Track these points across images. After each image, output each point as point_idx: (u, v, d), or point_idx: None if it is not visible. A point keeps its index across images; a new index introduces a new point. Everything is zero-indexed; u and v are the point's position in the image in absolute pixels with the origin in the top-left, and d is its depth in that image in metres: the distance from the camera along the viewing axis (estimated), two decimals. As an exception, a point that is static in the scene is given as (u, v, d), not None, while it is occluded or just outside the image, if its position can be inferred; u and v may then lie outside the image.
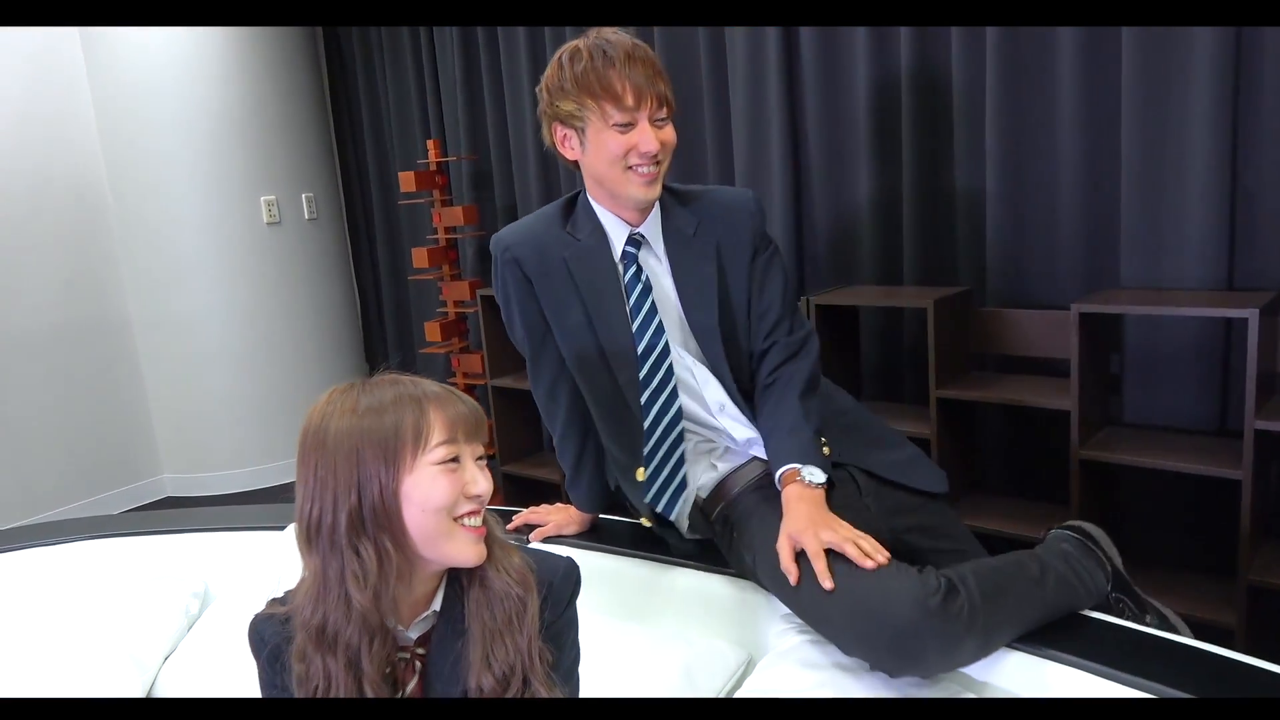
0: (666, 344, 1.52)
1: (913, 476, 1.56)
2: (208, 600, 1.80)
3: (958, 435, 2.47)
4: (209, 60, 3.79)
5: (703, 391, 1.56)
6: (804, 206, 2.85)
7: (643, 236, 1.54)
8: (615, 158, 1.44)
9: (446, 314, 3.71)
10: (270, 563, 1.76)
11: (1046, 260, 2.42)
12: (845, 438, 1.57)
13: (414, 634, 1.04)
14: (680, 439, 1.53)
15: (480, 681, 0.99)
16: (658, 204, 1.55)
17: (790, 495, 1.38)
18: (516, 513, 1.80)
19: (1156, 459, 2.07)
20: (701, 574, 1.57)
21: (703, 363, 1.55)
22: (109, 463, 3.97)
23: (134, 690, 1.60)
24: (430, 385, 1.02)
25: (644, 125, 1.43)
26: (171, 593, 1.75)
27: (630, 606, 1.61)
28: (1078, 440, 2.14)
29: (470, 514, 1.00)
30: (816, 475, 1.40)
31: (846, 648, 1.27)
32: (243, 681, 1.56)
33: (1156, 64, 2.12)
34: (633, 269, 1.53)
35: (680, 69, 3.01)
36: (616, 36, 1.45)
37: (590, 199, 1.55)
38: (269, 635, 1.04)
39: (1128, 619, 1.40)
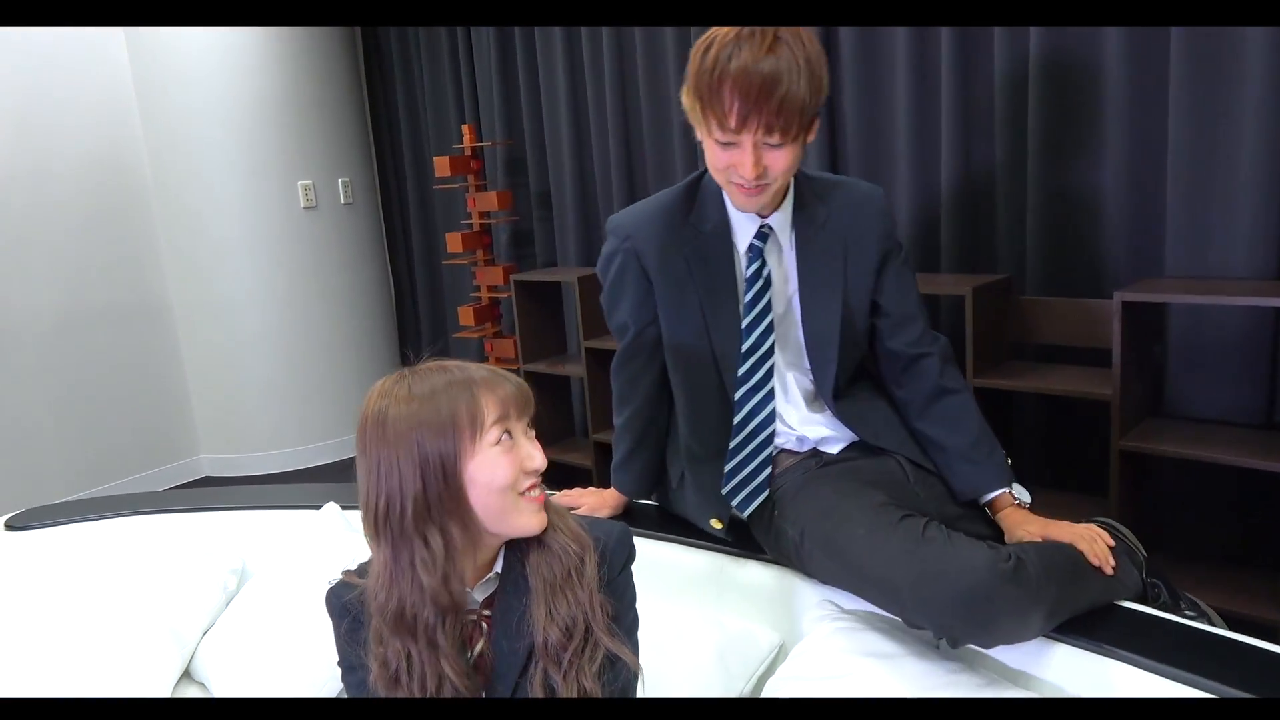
0: (773, 345, 1.50)
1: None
2: (245, 577, 1.83)
3: (995, 425, 2.41)
4: (247, 47, 3.82)
5: (787, 395, 1.55)
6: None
7: (772, 228, 1.49)
8: (717, 169, 1.40)
9: (480, 299, 3.72)
10: (307, 541, 1.78)
11: (1089, 248, 2.37)
12: (888, 428, 1.56)
13: (479, 595, 1.09)
14: (770, 440, 1.50)
15: (547, 635, 1.04)
16: (790, 191, 1.50)
17: (1014, 516, 1.45)
18: (550, 495, 1.80)
19: (1200, 451, 2.02)
20: (734, 559, 1.56)
21: (795, 366, 1.54)
22: (148, 442, 4.04)
23: (174, 664, 1.63)
24: (476, 368, 1.05)
25: (746, 147, 1.32)
26: (211, 569, 1.78)
27: (663, 590, 1.60)
28: (1118, 431, 2.10)
29: (530, 488, 1.05)
30: (1024, 495, 1.50)
31: (910, 614, 1.25)
32: (279, 657, 1.58)
33: (1205, 48, 2.06)
34: (756, 264, 1.49)
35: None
36: (756, 41, 1.28)
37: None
38: (350, 605, 1.08)
39: (1162, 605, 1.39)
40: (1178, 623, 1.25)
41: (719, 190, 1.49)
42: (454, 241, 3.61)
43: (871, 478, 1.45)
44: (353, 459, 1.06)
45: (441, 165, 3.55)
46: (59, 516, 1.96)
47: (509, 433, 1.04)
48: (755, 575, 1.53)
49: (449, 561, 1.01)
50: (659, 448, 1.67)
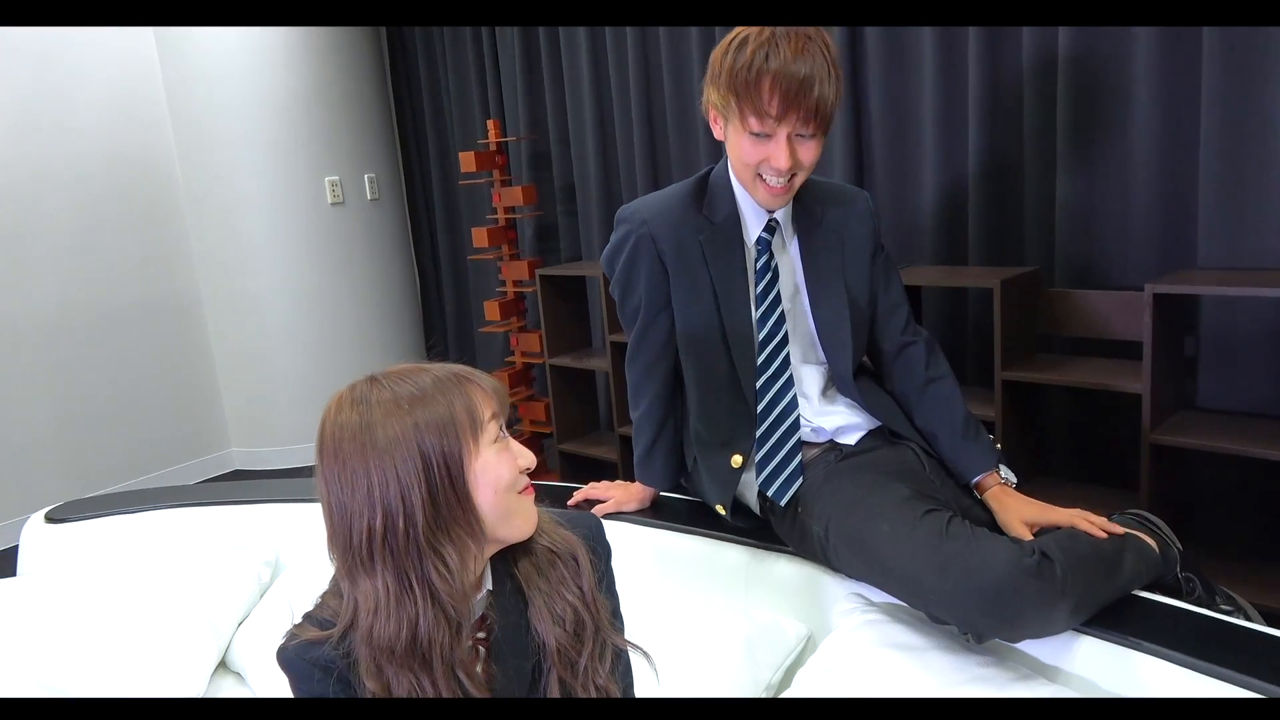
0: (786, 333, 1.53)
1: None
2: (279, 569, 1.86)
3: (1023, 418, 2.42)
4: (274, 45, 3.86)
5: (800, 388, 1.56)
6: (865, 184, 2.81)
7: (778, 223, 1.54)
8: (746, 164, 1.43)
9: (505, 293, 3.74)
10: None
11: (1119, 239, 2.35)
12: (898, 415, 1.59)
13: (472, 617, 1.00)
14: (796, 425, 1.52)
15: (557, 641, 0.99)
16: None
17: (1005, 498, 1.47)
18: (576, 489, 1.81)
19: (1232, 445, 2.00)
20: (761, 551, 1.57)
21: (806, 359, 1.56)
22: (181, 436, 4.10)
23: (210, 654, 1.66)
24: (455, 366, 0.98)
25: (781, 140, 1.37)
26: (245, 561, 1.81)
27: (691, 582, 1.61)
28: (1149, 424, 2.08)
29: (526, 490, 1.00)
30: (1011, 475, 1.52)
31: (935, 609, 1.26)
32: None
33: (1238, 37, 2.03)
34: (765, 256, 1.53)
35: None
36: (790, 42, 1.34)
37: (732, 178, 1.53)
38: (331, 663, 0.93)
39: (1196, 600, 1.38)
40: (1208, 616, 1.24)
41: (728, 185, 1.53)
42: (479, 236, 3.63)
43: (892, 469, 1.46)
44: None
45: (466, 160, 3.57)
46: (96, 510, 2.00)
47: (503, 430, 0.98)
48: (783, 568, 1.54)
49: (464, 571, 0.93)
50: (679, 437, 1.69)
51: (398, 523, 0.90)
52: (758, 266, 1.53)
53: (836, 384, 1.59)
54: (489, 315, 3.70)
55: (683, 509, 1.72)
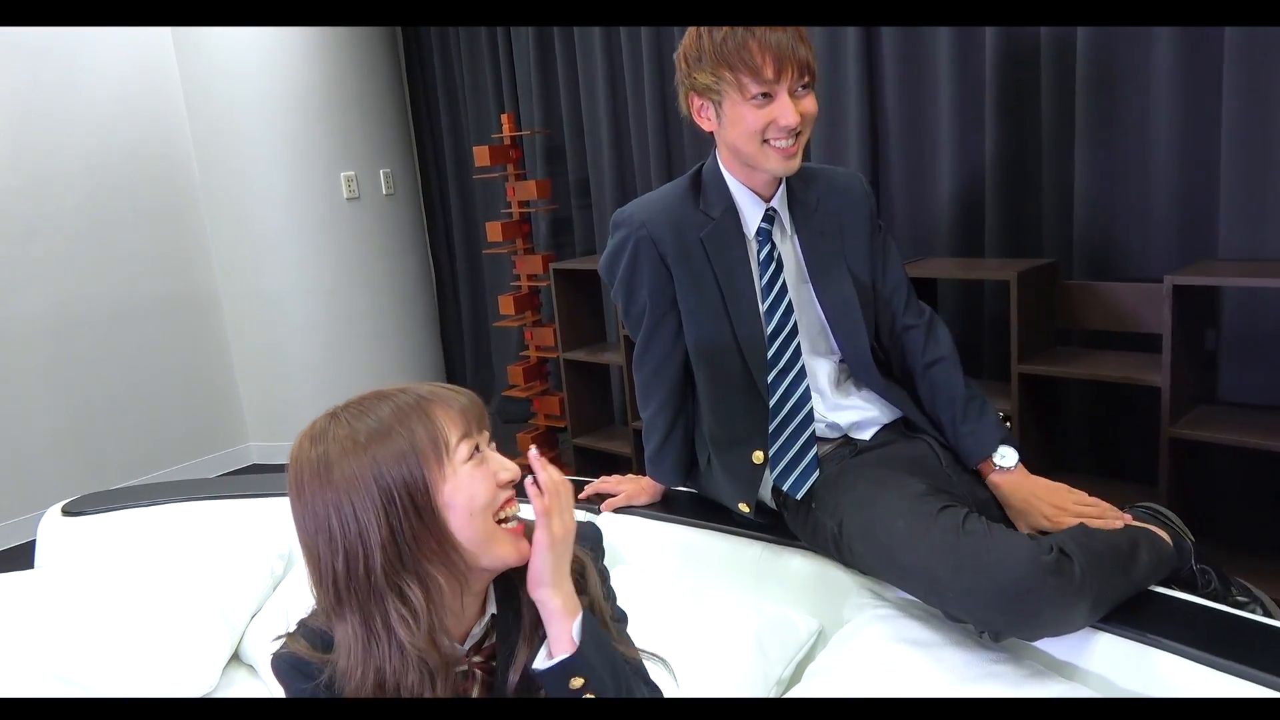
0: (795, 324, 1.51)
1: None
2: (291, 562, 1.86)
3: (1040, 412, 2.40)
4: (289, 42, 3.87)
5: (813, 383, 1.54)
6: (880, 176, 2.79)
7: (776, 211, 1.52)
8: (753, 133, 1.41)
9: (520, 287, 3.74)
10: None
11: (1138, 230, 2.32)
12: (911, 404, 1.58)
13: (469, 644, 0.97)
14: (810, 418, 1.50)
15: None
16: (783, 180, 1.53)
17: (1002, 484, 1.47)
18: (588, 483, 1.81)
19: (1253, 439, 1.97)
20: (773, 546, 1.56)
21: (816, 352, 1.55)
22: (199, 430, 4.13)
23: (223, 647, 1.67)
24: (420, 387, 0.94)
25: (783, 98, 1.38)
26: (258, 554, 1.82)
27: (702, 576, 1.61)
28: (1168, 418, 2.05)
29: (506, 503, 0.94)
30: (1010, 454, 1.49)
31: (951, 607, 1.25)
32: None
33: (1260, 26, 2.00)
34: (766, 246, 1.51)
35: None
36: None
37: (724, 171, 1.52)
38: (313, 675, 0.92)
39: (1211, 593, 1.36)
40: (1225, 611, 1.22)
41: (722, 178, 1.52)
42: (494, 231, 3.63)
43: (907, 464, 1.44)
44: None
45: (481, 155, 3.57)
46: (113, 503, 2.01)
47: (477, 447, 0.93)
48: (794, 563, 1.52)
49: (433, 612, 0.88)
50: (689, 436, 1.67)
51: (356, 563, 0.87)
52: (760, 258, 1.52)
53: (856, 372, 1.57)
54: (503, 310, 3.70)
55: (694, 503, 1.72)
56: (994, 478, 1.49)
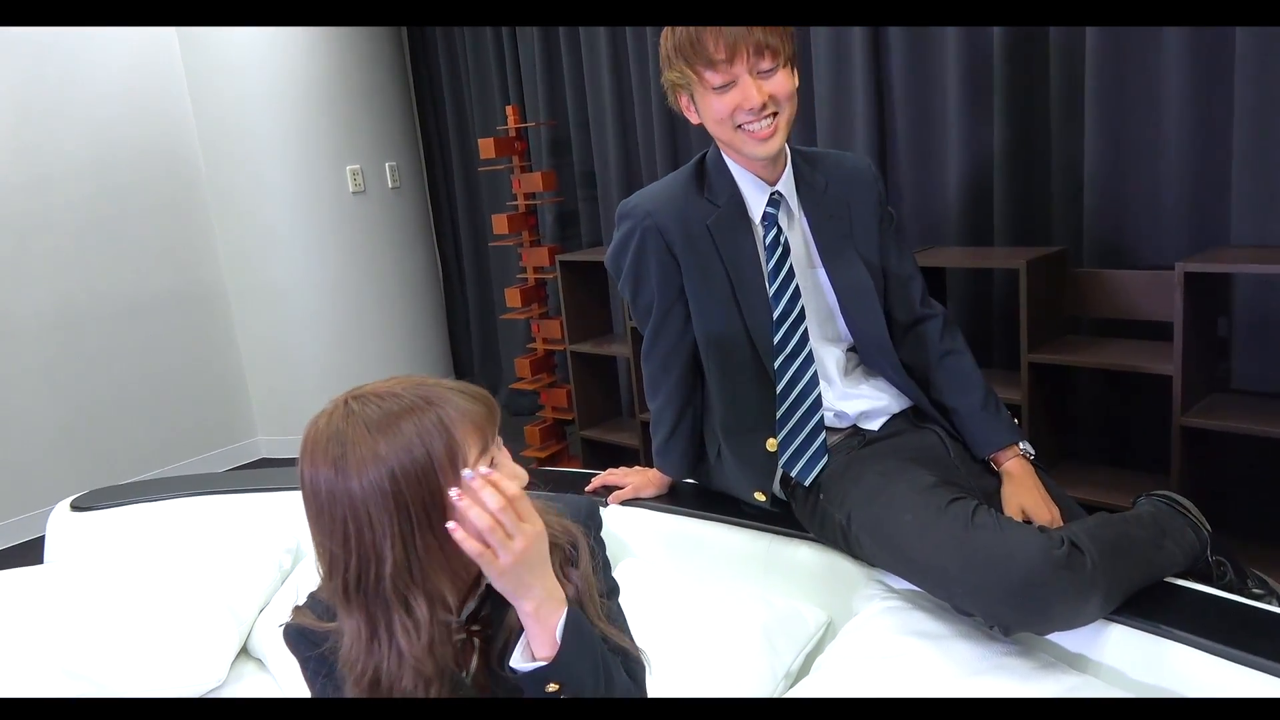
0: (803, 309, 1.50)
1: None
2: (299, 556, 1.87)
3: (1050, 401, 2.38)
4: (294, 36, 3.86)
5: (821, 371, 1.53)
6: (888, 164, 2.77)
7: (781, 195, 1.52)
8: (723, 119, 1.41)
9: (526, 280, 3.73)
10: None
11: (1149, 218, 2.30)
12: (920, 393, 1.57)
13: (466, 613, 0.99)
14: (818, 404, 1.49)
15: None
16: (789, 163, 1.52)
17: (1017, 469, 1.48)
18: (595, 475, 1.80)
19: (1266, 427, 1.95)
20: (781, 537, 1.55)
21: (825, 338, 1.54)
22: (207, 425, 4.14)
23: (232, 641, 1.68)
24: (439, 391, 0.92)
25: (744, 81, 1.37)
26: (266, 548, 1.82)
27: (709, 568, 1.60)
28: (1180, 407, 2.04)
29: None
30: (1029, 448, 1.52)
31: (961, 601, 1.24)
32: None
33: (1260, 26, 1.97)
34: (773, 231, 1.50)
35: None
36: None
37: (725, 158, 1.52)
38: (319, 642, 0.96)
39: (1226, 584, 1.34)
40: (1239, 603, 1.21)
41: (725, 166, 1.51)
42: (500, 223, 3.63)
43: (915, 455, 1.43)
44: None
45: (486, 147, 3.56)
46: (122, 498, 2.02)
47: (492, 461, 0.92)
48: (802, 555, 1.52)
49: (434, 626, 0.90)
50: (697, 428, 1.66)
51: (368, 570, 0.88)
52: (767, 243, 1.51)
53: (868, 357, 1.56)
54: (510, 302, 3.70)
55: (701, 495, 1.71)
56: (1010, 465, 1.49)
